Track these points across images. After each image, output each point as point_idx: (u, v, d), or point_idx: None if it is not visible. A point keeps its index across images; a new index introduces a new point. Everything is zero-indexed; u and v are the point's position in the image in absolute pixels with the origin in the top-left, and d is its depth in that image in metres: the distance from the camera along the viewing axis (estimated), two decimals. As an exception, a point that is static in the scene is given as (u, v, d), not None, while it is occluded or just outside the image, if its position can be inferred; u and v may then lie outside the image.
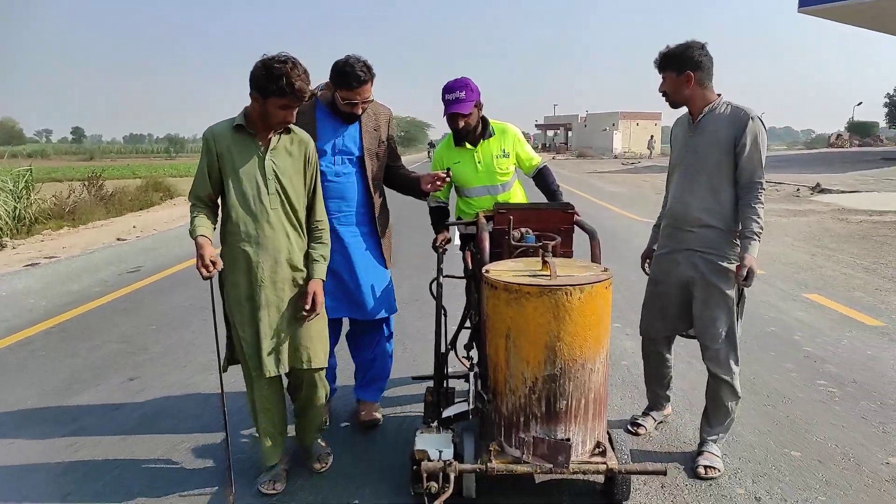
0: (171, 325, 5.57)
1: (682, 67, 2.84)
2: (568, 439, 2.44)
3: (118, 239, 11.22)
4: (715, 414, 3.03)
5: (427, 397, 3.11)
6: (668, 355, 3.31)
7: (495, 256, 2.92)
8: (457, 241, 3.57)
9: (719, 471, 2.93)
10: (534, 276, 2.49)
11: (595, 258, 2.86)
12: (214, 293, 2.63)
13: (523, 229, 2.98)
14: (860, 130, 58.35)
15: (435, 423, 2.79)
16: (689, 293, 3.01)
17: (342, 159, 3.18)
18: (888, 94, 63.07)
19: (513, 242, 2.94)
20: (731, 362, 2.95)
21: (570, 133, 65.68)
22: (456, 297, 3.55)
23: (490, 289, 2.51)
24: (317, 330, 2.80)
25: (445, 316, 3.11)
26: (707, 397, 3.06)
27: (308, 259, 2.77)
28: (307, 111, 3.07)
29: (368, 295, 3.27)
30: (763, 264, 2.86)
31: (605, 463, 2.49)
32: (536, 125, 71.35)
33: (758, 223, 2.80)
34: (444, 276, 3.14)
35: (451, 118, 3.35)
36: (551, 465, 2.41)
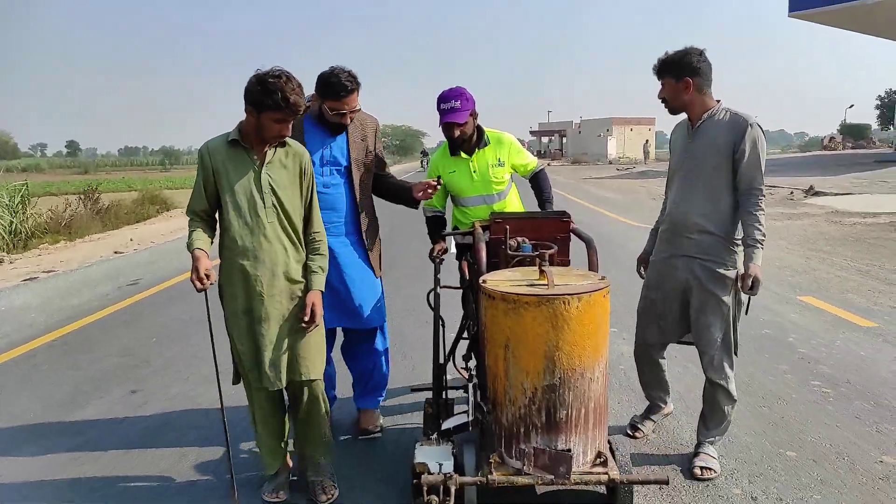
0: (171, 337, 5.60)
1: (681, 74, 2.86)
2: (569, 450, 2.43)
3: (115, 252, 11.25)
4: (711, 417, 3.07)
5: (426, 409, 3.12)
6: (662, 360, 3.33)
7: (492, 266, 2.93)
8: (453, 250, 3.59)
9: (716, 472, 2.98)
10: (531, 285, 2.49)
11: (592, 266, 2.87)
12: (210, 306, 2.64)
13: (520, 238, 2.99)
14: (853, 133, 58.69)
15: (434, 435, 2.78)
16: (687, 299, 3.03)
17: (330, 170, 3.21)
18: (880, 96, 63.54)
19: (509, 252, 2.96)
20: (727, 367, 2.98)
21: (564, 139, 65.88)
22: (453, 307, 3.58)
23: (488, 299, 2.51)
24: (314, 342, 2.81)
25: (443, 326, 3.11)
26: (704, 401, 3.10)
27: (306, 271, 2.79)
28: (296, 123, 3.12)
29: (361, 304, 3.30)
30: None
31: (606, 473, 2.48)
32: (531, 132, 71.54)
33: (760, 230, 2.81)
34: (441, 287, 3.14)
35: (447, 128, 3.38)
36: (552, 477, 2.40)
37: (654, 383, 3.39)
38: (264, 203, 2.66)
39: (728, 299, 2.93)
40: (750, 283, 2.79)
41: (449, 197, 3.68)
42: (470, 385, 2.92)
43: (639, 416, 3.47)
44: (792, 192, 16.74)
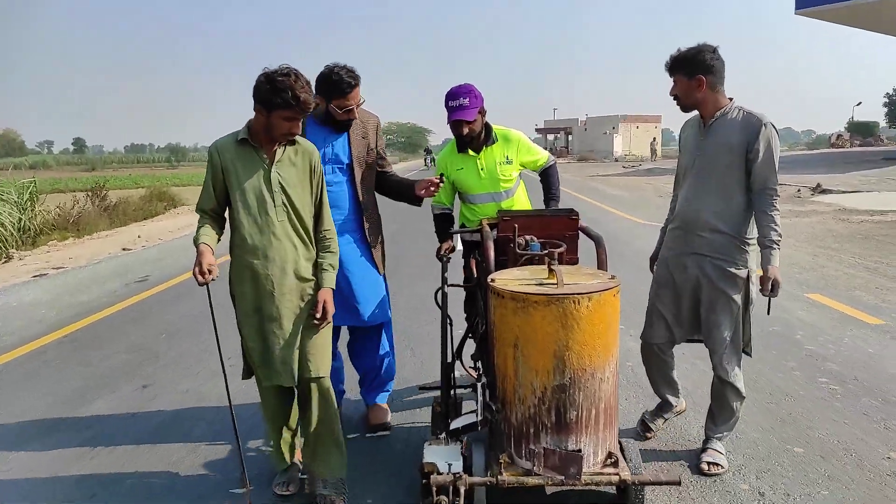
0: (180, 333, 5.64)
1: (694, 71, 2.83)
2: (579, 450, 2.42)
3: (124, 249, 11.31)
4: (720, 414, 3.08)
5: (434, 407, 3.11)
6: (669, 359, 3.30)
7: (500, 265, 2.91)
8: (460, 247, 3.59)
9: (723, 467, 2.99)
10: (540, 284, 2.47)
11: (602, 265, 2.85)
12: (213, 301, 2.63)
13: (528, 237, 2.98)
14: (861, 130, 58.38)
15: (443, 435, 2.77)
16: (697, 297, 3.01)
17: (332, 168, 3.23)
18: (888, 93, 63.12)
19: (518, 250, 2.94)
20: (735, 365, 2.98)
21: (570, 137, 65.79)
22: (462, 305, 3.60)
23: (496, 298, 2.49)
24: (322, 340, 2.80)
25: (451, 325, 3.10)
26: (712, 397, 3.11)
27: (317, 268, 2.79)
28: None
29: (365, 302, 3.31)
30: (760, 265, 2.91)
31: (617, 474, 2.45)
32: (536, 129, 71.45)
33: (776, 231, 2.80)
34: (449, 285, 3.12)
35: (455, 125, 3.37)
36: (563, 477, 2.38)
37: (661, 382, 3.35)
38: (274, 202, 2.66)
39: (738, 298, 2.92)
40: (770, 286, 2.78)
41: (457, 194, 3.68)
42: (479, 384, 2.90)
43: (649, 413, 3.44)
44: (799, 190, 16.69)
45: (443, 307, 3.09)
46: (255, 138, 2.66)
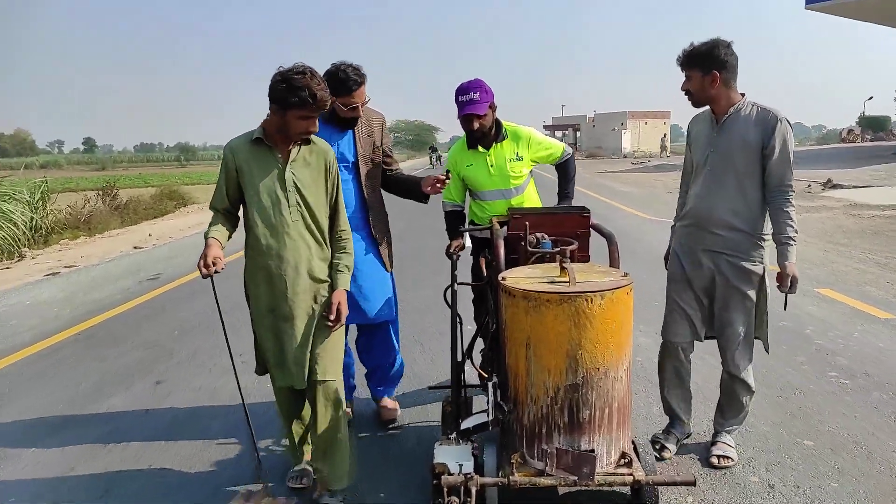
0: (194, 330, 5.70)
1: (709, 66, 2.79)
2: (592, 450, 2.39)
3: (135, 247, 11.41)
4: (729, 408, 3.09)
5: (445, 407, 3.09)
6: (689, 363, 3.16)
7: (511, 263, 2.88)
8: (468, 244, 3.58)
9: (733, 460, 3.01)
10: (552, 282, 2.44)
11: (614, 262, 2.81)
12: (220, 298, 2.68)
13: (539, 234, 2.96)
14: (872, 125, 57.88)
15: (454, 435, 2.74)
16: (711, 294, 2.99)
17: (338, 167, 3.25)
18: (899, 87, 62.47)
19: (529, 248, 2.91)
20: (747, 361, 2.98)
21: (578, 134, 65.64)
22: (471, 303, 3.62)
23: (508, 297, 2.46)
24: (332, 343, 2.77)
25: (461, 323, 3.07)
26: (721, 392, 3.12)
27: (332, 269, 2.77)
28: None
29: (372, 299, 3.33)
30: (774, 261, 2.91)
31: (631, 474, 2.42)
32: (544, 126, 71.30)
33: (793, 227, 2.80)
34: (459, 284, 3.10)
35: (466, 120, 3.35)
36: (576, 478, 2.35)
37: (677, 391, 3.18)
38: (288, 202, 2.65)
39: (753, 294, 2.90)
40: (789, 283, 2.78)
41: (467, 191, 3.67)
42: (490, 384, 2.85)
43: (662, 434, 3.22)
44: (810, 186, 16.61)
45: (452, 306, 3.07)
46: (270, 138, 2.65)
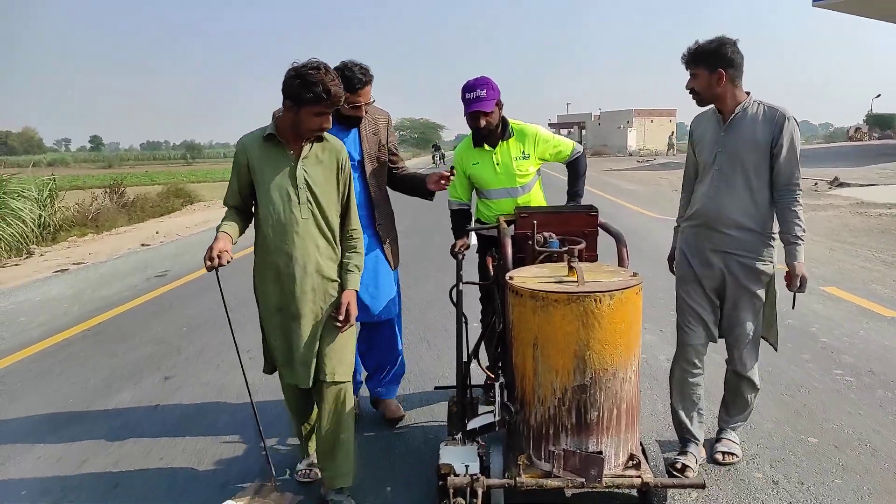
0: (202, 327, 5.74)
1: (715, 64, 2.76)
2: (600, 452, 2.35)
3: (143, 245, 11.48)
4: (734, 406, 3.09)
5: (450, 407, 3.04)
6: (701, 369, 3.03)
7: (518, 262, 2.84)
8: (474, 242, 3.55)
9: (738, 457, 3.03)
10: (560, 282, 2.41)
11: (622, 262, 2.77)
12: (226, 295, 2.68)
13: (546, 234, 2.93)
14: (880, 123, 57.60)
15: (459, 435, 2.70)
16: (721, 294, 2.95)
17: None
18: (907, 85, 62.11)
19: (537, 248, 2.88)
20: (754, 360, 2.98)
21: (584, 132, 65.55)
22: (478, 303, 3.62)
23: (515, 296, 2.42)
24: (341, 343, 2.73)
25: (466, 323, 3.02)
26: (727, 390, 3.12)
27: (342, 269, 2.73)
28: None
29: (376, 297, 3.33)
30: (781, 259, 2.91)
31: (639, 476, 2.38)
32: (549, 124, 71.22)
33: (801, 226, 2.78)
34: (464, 283, 3.06)
35: (473, 117, 3.32)
36: (583, 480, 2.31)
37: (688, 404, 3.02)
38: (298, 199, 2.61)
39: (762, 294, 2.89)
40: (798, 283, 2.77)
41: (474, 189, 3.64)
42: (496, 384, 2.80)
43: (677, 455, 2.99)
44: (816, 184, 16.56)
45: (458, 305, 3.03)
46: (282, 134, 2.62)
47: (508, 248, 2.79)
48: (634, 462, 2.44)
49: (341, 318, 2.66)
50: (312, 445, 3.04)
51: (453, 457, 2.55)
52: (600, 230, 3.04)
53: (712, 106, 2.92)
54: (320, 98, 2.46)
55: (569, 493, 2.56)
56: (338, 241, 2.74)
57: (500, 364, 3.07)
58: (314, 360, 2.68)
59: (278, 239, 2.63)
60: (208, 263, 2.50)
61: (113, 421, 3.83)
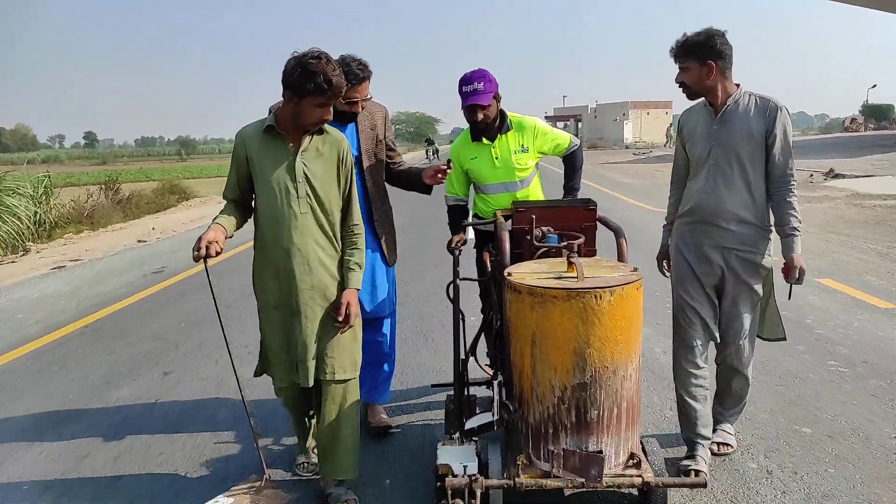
0: (199, 322, 5.75)
1: (705, 56, 2.73)
2: (600, 451, 2.32)
3: (139, 241, 11.48)
4: (728, 399, 3.09)
5: (448, 406, 2.98)
6: (705, 369, 2.96)
7: (515, 257, 2.80)
8: (471, 236, 3.54)
9: (732, 447, 3.06)
10: (559, 278, 2.36)
11: (622, 257, 2.73)
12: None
13: (544, 228, 2.88)
14: (875, 114, 57.70)
15: (457, 435, 2.66)
16: (719, 290, 2.92)
17: None
18: (902, 76, 62.24)
19: (535, 243, 2.83)
20: (751, 356, 2.96)
21: (580, 124, 65.52)
22: (475, 300, 3.62)
23: (513, 293, 2.38)
24: (346, 341, 2.69)
25: (463, 320, 2.98)
26: (720, 384, 3.09)
27: (342, 266, 2.68)
28: None
29: (372, 294, 3.29)
30: (777, 252, 2.91)
31: (640, 476, 2.35)
32: (546, 117, 71.15)
33: (797, 217, 2.77)
34: (461, 279, 3.02)
35: (470, 110, 3.28)
36: (583, 480, 2.28)
37: (696, 408, 2.93)
38: (297, 193, 2.55)
39: (759, 289, 2.88)
40: (796, 275, 2.76)
41: (472, 184, 3.61)
42: (494, 383, 2.75)
43: (687, 460, 2.90)
44: (812, 175, 16.62)
45: (454, 302, 2.98)
46: (282, 126, 2.56)
47: (506, 244, 2.75)
48: (635, 461, 2.41)
49: (340, 318, 2.61)
50: (311, 442, 3.04)
51: (451, 457, 2.51)
52: (599, 224, 3.01)
53: (702, 99, 2.89)
54: (321, 89, 2.40)
55: (568, 492, 2.56)
56: (338, 237, 2.69)
57: (495, 362, 3.05)
58: (314, 359, 2.62)
59: (277, 234, 2.58)
60: (195, 253, 2.43)
61: (112, 417, 3.84)
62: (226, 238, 2.56)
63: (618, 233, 2.81)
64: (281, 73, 2.48)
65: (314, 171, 2.59)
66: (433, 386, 3.74)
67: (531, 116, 3.55)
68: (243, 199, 2.71)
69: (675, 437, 3.21)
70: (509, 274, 2.48)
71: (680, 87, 2.88)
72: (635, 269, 2.46)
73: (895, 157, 20.60)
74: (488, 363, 3.11)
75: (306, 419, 3.00)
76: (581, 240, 2.77)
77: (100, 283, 7.80)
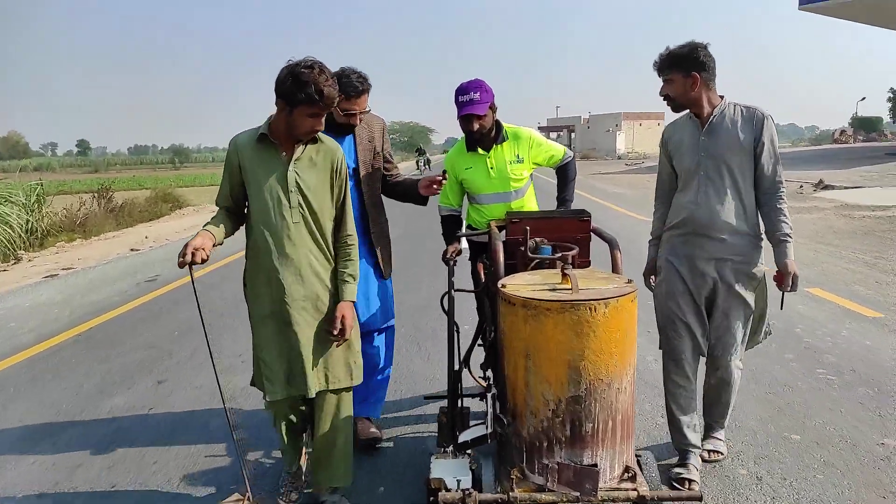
0: (193, 331, 5.75)
1: (689, 68, 2.76)
2: (595, 465, 2.29)
3: (132, 250, 11.47)
4: (717, 407, 3.07)
5: (441, 418, 2.94)
6: (694, 382, 3.00)
7: (509, 269, 2.78)
8: (465, 245, 3.52)
9: (722, 454, 3.09)
10: (554, 290, 2.33)
11: (616, 268, 2.71)
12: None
13: (538, 239, 2.87)
14: (865, 126, 58.35)
15: (450, 448, 2.64)
16: (712, 303, 2.91)
17: None
18: (892, 88, 63.06)
19: (529, 254, 2.81)
20: (740, 366, 2.97)
21: (573, 135, 65.85)
22: (468, 310, 3.64)
23: (507, 305, 2.35)
24: (342, 350, 2.68)
25: (458, 332, 2.97)
26: (707, 393, 3.08)
27: (336, 278, 2.66)
28: None
29: (366, 306, 3.27)
30: (767, 261, 2.94)
31: (635, 489, 2.32)
32: (539, 127, 71.51)
33: (788, 224, 2.79)
34: (455, 290, 2.99)
35: (466, 120, 3.27)
36: (578, 493, 2.25)
37: (684, 416, 3.00)
38: (289, 203, 2.53)
39: (752, 300, 2.88)
40: (790, 282, 2.76)
41: (465, 195, 3.61)
42: (488, 395, 2.73)
43: (679, 468, 2.97)
44: (802, 186, 16.78)
45: (449, 313, 2.96)
46: (275, 135, 2.54)
47: (500, 255, 2.72)
48: (630, 474, 2.39)
49: (335, 331, 2.60)
50: (302, 462, 2.93)
51: (444, 470, 2.49)
52: (593, 235, 3.00)
53: (687, 112, 2.91)
54: (312, 99, 2.38)
55: None
56: (331, 248, 2.67)
57: (485, 373, 3.04)
58: (308, 370, 2.59)
59: (269, 243, 2.55)
60: (180, 260, 2.40)
61: (106, 426, 3.85)
62: (214, 245, 2.53)
63: (612, 244, 2.80)
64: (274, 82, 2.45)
65: (307, 181, 2.57)
66: (426, 398, 3.70)
67: (526, 127, 3.56)
68: (236, 207, 2.69)
69: (667, 444, 3.25)
70: (503, 286, 2.45)
71: (664, 99, 2.90)
72: (629, 281, 2.45)
73: (884, 169, 20.83)
74: (482, 375, 3.09)
75: (297, 436, 2.88)
76: (575, 251, 2.76)
77: (93, 292, 7.79)
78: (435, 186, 3.26)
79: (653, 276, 3.13)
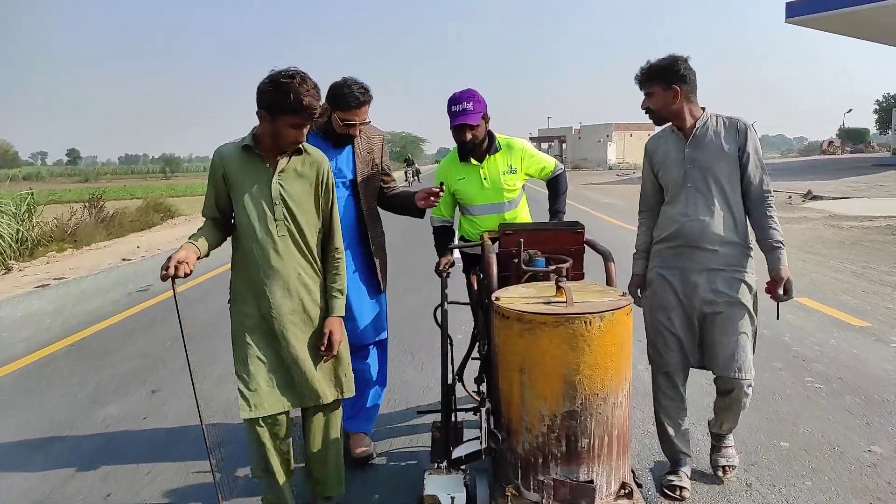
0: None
1: (669, 81, 2.77)
2: (591, 481, 2.25)
3: (123, 259, 11.44)
4: (729, 418, 2.99)
5: (434, 433, 2.87)
6: (683, 394, 3.00)
7: (502, 281, 2.75)
8: (457, 255, 3.50)
9: (735, 465, 3.04)
10: (548, 303, 2.31)
11: (610, 280, 2.69)
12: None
13: (531, 251, 2.84)
14: (852, 137, 59.00)
15: (444, 464, 2.61)
16: (703, 315, 2.86)
17: (336, 183, 2.96)
18: (878, 100, 63.84)
19: (524, 267, 2.78)
20: (751, 371, 2.83)
21: (564, 145, 66.17)
22: (461, 321, 3.63)
23: (501, 318, 2.31)
24: (331, 365, 2.66)
25: (451, 345, 2.94)
26: (720, 410, 2.99)
27: (325, 293, 2.63)
28: None
29: (360, 320, 3.24)
30: (760, 272, 2.94)
31: None
32: (530, 137, 71.80)
33: (779, 231, 2.79)
34: (449, 303, 2.97)
35: (458, 130, 3.26)
36: None
37: (674, 428, 3.00)
38: (274, 215, 2.49)
39: (751, 308, 2.85)
40: (784, 288, 2.75)
41: (457, 206, 3.61)
42: (482, 410, 2.68)
43: (670, 475, 2.99)
44: (790, 197, 16.93)
45: (443, 325, 2.92)
46: (260, 145, 2.49)
47: (493, 267, 2.69)
48: (626, 490, 2.35)
49: (323, 347, 2.58)
50: (282, 479, 2.67)
51: (438, 487, 2.47)
52: (586, 247, 2.99)
53: (669, 125, 2.92)
54: (293, 109, 2.34)
55: None
56: (317, 260, 2.64)
57: (479, 387, 3.02)
58: (296, 384, 2.57)
59: (255, 256, 2.51)
60: (163, 273, 2.35)
61: (100, 435, 3.85)
62: (199, 258, 2.48)
63: (606, 256, 2.78)
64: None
65: (291, 193, 2.53)
66: (419, 412, 3.69)
67: (518, 138, 3.57)
68: (223, 217, 2.65)
69: (658, 452, 3.26)
70: (497, 299, 2.41)
71: (646, 112, 2.92)
72: (624, 294, 2.42)
73: (871, 179, 21.07)
74: (475, 389, 3.08)
75: (279, 456, 2.66)
76: (569, 263, 2.72)
77: (85, 302, 7.78)
78: (432, 199, 3.24)
79: (639, 290, 3.10)
